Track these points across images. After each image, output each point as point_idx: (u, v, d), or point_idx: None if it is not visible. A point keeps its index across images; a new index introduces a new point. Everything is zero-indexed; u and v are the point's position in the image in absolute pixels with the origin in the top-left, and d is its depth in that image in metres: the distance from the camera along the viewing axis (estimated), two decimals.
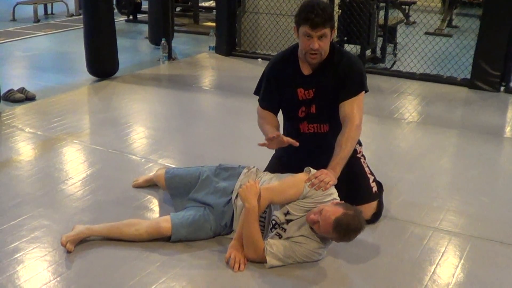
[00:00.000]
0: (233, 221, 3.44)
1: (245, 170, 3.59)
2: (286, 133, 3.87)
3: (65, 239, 3.32)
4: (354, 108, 3.52)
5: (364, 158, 3.82)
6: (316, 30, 3.39)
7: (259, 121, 3.81)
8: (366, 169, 3.77)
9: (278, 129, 3.72)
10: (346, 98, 3.53)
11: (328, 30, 3.42)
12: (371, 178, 3.74)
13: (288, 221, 3.22)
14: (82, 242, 3.39)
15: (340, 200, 3.22)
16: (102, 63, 7.12)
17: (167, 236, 3.40)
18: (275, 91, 3.73)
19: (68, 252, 3.29)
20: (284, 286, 3.08)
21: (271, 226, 3.29)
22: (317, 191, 3.18)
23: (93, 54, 7.00)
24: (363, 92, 3.60)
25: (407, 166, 4.70)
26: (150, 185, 4.15)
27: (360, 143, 3.81)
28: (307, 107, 3.64)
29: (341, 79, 3.54)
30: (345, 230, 3.00)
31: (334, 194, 3.23)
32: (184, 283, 3.07)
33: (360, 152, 3.79)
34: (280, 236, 3.24)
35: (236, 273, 3.15)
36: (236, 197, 3.40)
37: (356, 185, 3.64)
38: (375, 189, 3.72)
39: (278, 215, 3.25)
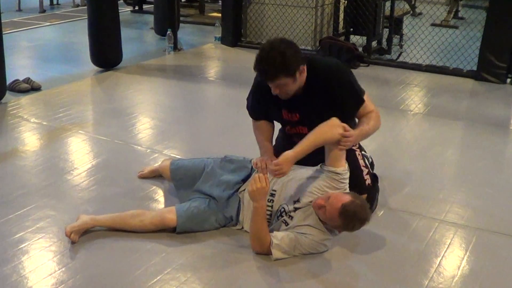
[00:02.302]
0: (239, 214, 3.44)
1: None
2: (281, 139, 3.87)
3: (69, 229, 3.32)
4: (366, 111, 3.52)
5: (361, 150, 3.75)
6: (269, 82, 3.31)
7: (254, 131, 3.81)
8: (361, 161, 3.68)
9: (272, 136, 3.76)
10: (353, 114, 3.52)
11: (284, 79, 3.24)
12: (365, 171, 3.67)
13: (296, 209, 3.22)
14: (87, 232, 3.40)
15: None
16: (105, 53, 7.11)
17: (172, 228, 3.40)
18: (262, 107, 3.70)
19: (73, 242, 3.30)
20: (288, 278, 3.07)
21: (278, 214, 3.29)
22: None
23: (96, 44, 6.99)
24: (364, 99, 3.53)
25: (413, 157, 4.69)
26: (156, 175, 4.15)
27: None
28: (294, 127, 3.61)
29: (331, 97, 3.42)
30: (351, 217, 3.00)
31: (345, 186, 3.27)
32: (189, 274, 3.07)
33: (355, 144, 3.69)
34: (286, 224, 3.24)
35: (241, 264, 3.16)
36: (244, 190, 3.41)
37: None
38: (368, 181, 3.65)
39: (288, 203, 3.27)
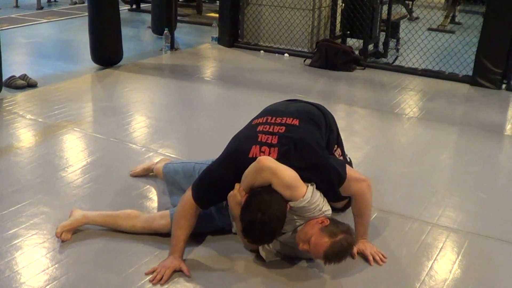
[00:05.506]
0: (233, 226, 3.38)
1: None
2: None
3: (60, 230, 3.31)
4: (350, 187, 3.14)
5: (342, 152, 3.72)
6: None
7: (179, 219, 3.15)
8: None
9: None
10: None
11: None
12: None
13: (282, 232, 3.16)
14: (80, 230, 3.40)
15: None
16: (106, 51, 7.12)
17: (164, 232, 3.34)
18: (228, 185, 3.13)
19: (64, 241, 3.30)
20: (282, 278, 3.09)
21: None
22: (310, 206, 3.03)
23: (97, 42, 7.00)
24: (344, 177, 3.10)
25: (407, 161, 4.70)
26: (148, 173, 4.16)
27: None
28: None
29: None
30: (336, 259, 2.93)
31: (325, 208, 3.08)
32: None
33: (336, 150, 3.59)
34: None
35: (233, 264, 3.17)
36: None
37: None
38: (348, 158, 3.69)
39: None
